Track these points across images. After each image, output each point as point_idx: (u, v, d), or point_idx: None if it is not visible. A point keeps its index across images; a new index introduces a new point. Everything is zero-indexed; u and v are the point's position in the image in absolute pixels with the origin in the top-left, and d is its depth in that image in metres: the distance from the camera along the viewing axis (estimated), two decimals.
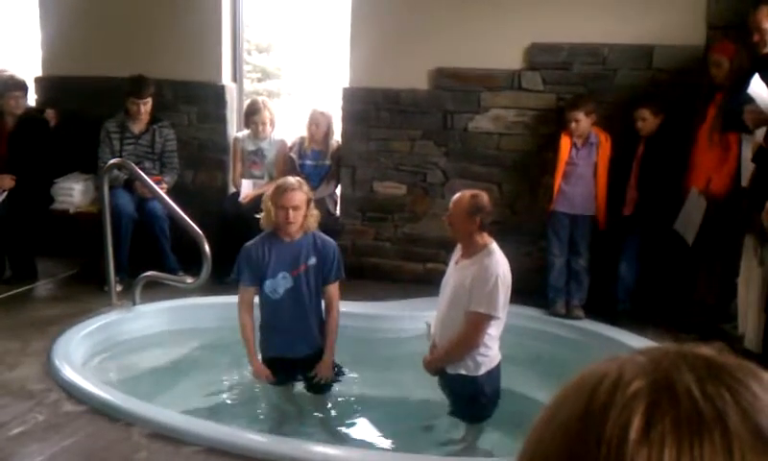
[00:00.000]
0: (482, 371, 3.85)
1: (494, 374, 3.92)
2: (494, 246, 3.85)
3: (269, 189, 6.25)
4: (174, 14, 6.59)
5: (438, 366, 3.98)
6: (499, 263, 3.78)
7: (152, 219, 5.99)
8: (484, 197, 3.94)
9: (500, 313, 3.76)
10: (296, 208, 3.98)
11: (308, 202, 4.08)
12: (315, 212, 4.17)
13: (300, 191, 4.03)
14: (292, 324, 4.10)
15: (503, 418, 4.04)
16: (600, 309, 5.43)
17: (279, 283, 4.05)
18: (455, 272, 3.94)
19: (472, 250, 3.87)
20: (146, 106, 6.18)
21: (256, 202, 6.12)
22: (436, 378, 4.10)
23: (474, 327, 3.75)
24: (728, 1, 5.42)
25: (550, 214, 5.54)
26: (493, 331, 3.83)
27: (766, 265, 4.21)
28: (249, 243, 4.22)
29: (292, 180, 4.16)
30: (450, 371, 3.91)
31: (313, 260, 4.04)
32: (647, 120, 5.34)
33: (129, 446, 3.48)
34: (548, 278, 5.50)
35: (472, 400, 3.93)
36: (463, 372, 3.85)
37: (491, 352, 3.86)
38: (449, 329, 3.88)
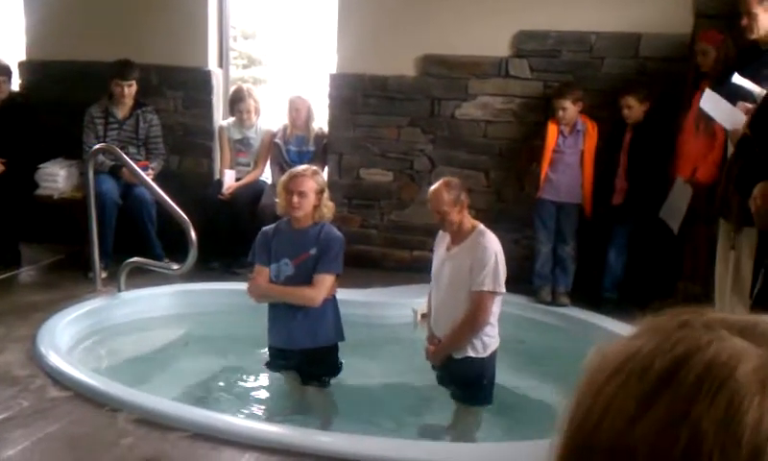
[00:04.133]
0: (489, 351, 3.88)
1: (495, 355, 3.96)
2: (482, 226, 3.90)
3: (251, 178, 6.33)
4: None
5: (445, 354, 3.95)
6: (494, 241, 3.83)
7: (139, 205, 5.96)
8: (454, 179, 3.99)
9: (503, 288, 3.82)
10: (302, 195, 3.94)
11: (320, 191, 4.03)
12: (330, 204, 4.11)
13: (310, 179, 3.99)
14: (289, 314, 4.05)
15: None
16: (586, 297, 5.46)
17: (282, 269, 4.02)
18: (449, 260, 3.93)
19: (462, 234, 3.89)
20: (130, 89, 6.12)
21: (241, 192, 6.19)
22: (423, 364, 4.11)
23: (481, 305, 3.77)
24: None
25: (537, 202, 5.56)
26: (496, 309, 3.86)
27: (737, 250, 4.24)
28: (265, 226, 4.23)
29: (305, 167, 4.17)
30: (457, 356, 3.89)
31: (314, 251, 4.00)
32: (633, 107, 5.35)
33: (114, 431, 3.46)
34: (534, 265, 5.52)
35: (478, 382, 3.94)
36: (471, 354, 3.86)
37: (494, 332, 3.91)
38: (451, 317, 3.87)
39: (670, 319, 0.66)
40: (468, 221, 3.91)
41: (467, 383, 3.97)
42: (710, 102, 4.32)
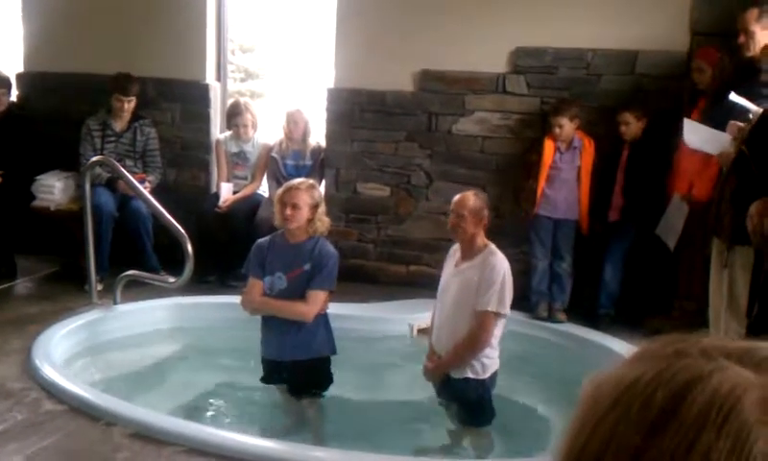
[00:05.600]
0: (489, 373, 3.83)
1: (495, 377, 3.91)
2: (493, 245, 3.87)
3: (248, 191, 6.33)
4: (158, 11, 6.55)
5: (444, 371, 3.92)
6: (503, 261, 3.80)
7: (135, 218, 5.96)
8: (483, 195, 3.99)
9: (508, 311, 3.79)
10: (295, 207, 3.95)
11: (315, 206, 4.03)
12: (325, 219, 4.11)
13: (304, 192, 4.00)
14: (282, 327, 4.05)
15: None
16: (582, 313, 5.46)
17: (275, 283, 4.02)
18: (456, 275, 3.91)
19: (473, 251, 3.86)
20: (130, 104, 6.15)
21: (238, 206, 6.19)
22: (419, 379, 4.10)
23: (484, 326, 3.74)
24: (711, 8, 5.45)
25: (533, 218, 5.56)
26: (498, 332, 3.82)
27: (730, 268, 4.24)
28: (260, 239, 4.24)
29: (302, 180, 4.18)
30: (456, 375, 3.86)
31: (308, 266, 4.00)
32: (630, 124, 5.38)
33: (109, 445, 3.45)
34: (531, 281, 5.52)
35: (478, 403, 3.89)
36: (470, 375, 3.81)
37: (495, 354, 3.86)
38: (454, 334, 3.84)
39: (664, 346, 0.66)
40: (482, 239, 3.89)
41: (465, 404, 3.94)
42: (692, 132, 4.35)
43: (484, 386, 3.85)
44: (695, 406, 0.58)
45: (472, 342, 3.77)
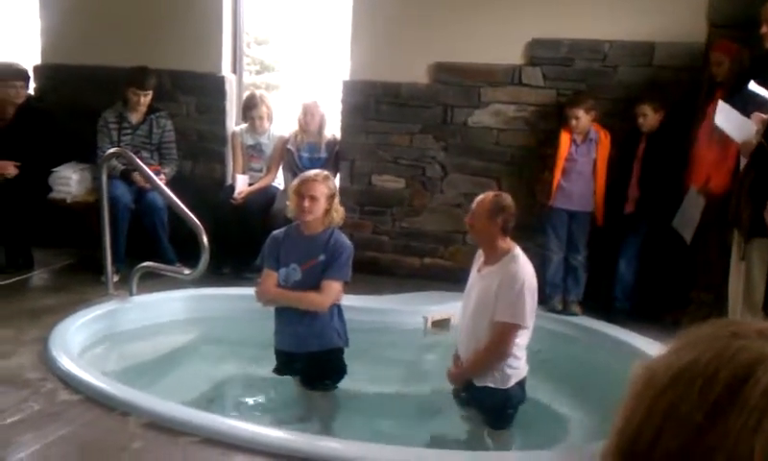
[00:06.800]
0: (511, 382, 3.74)
1: (523, 384, 3.82)
2: (518, 250, 3.75)
3: (263, 184, 6.34)
4: (175, 4, 6.58)
5: (464, 378, 3.88)
6: (525, 269, 3.67)
7: (151, 210, 5.98)
8: (507, 198, 3.83)
9: (528, 322, 3.66)
10: (313, 199, 3.96)
11: (331, 196, 4.05)
12: (340, 209, 4.12)
13: (322, 184, 4.01)
14: (296, 318, 4.06)
15: None
16: (597, 306, 5.44)
17: (290, 274, 4.03)
18: (479, 280, 3.82)
19: (495, 256, 3.76)
20: (146, 97, 6.18)
21: (254, 198, 6.20)
22: (433, 372, 4.09)
23: (502, 337, 3.64)
24: None
25: (549, 210, 5.54)
26: (521, 341, 3.71)
27: (747, 260, 4.22)
28: (275, 231, 4.24)
29: (317, 172, 4.18)
30: (477, 383, 3.79)
31: (323, 257, 4.00)
32: (648, 116, 5.34)
33: (125, 435, 3.47)
34: (546, 273, 5.48)
35: (499, 411, 3.84)
36: (491, 384, 3.74)
37: (519, 363, 3.75)
38: (475, 340, 3.78)
39: (719, 329, 0.66)
40: (505, 243, 3.76)
41: (487, 410, 3.89)
42: (723, 113, 4.31)
43: (506, 395, 3.77)
44: (759, 386, 0.59)
45: (491, 353, 3.70)
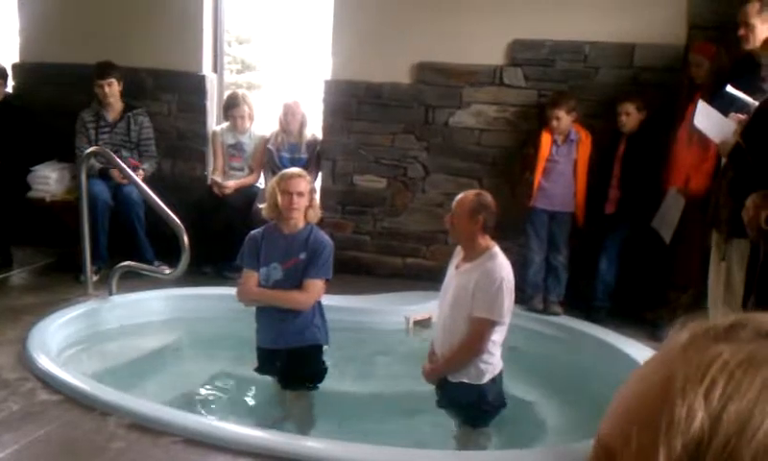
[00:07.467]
0: (485, 378, 3.75)
1: (498, 380, 3.82)
2: (497, 249, 3.75)
3: (249, 182, 6.32)
4: (155, 3, 6.54)
5: (439, 375, 3.88)
6: (503, 266, 3.68)
7: (127, 205, 5.95)
8: (487, 197, 3.83)
9: (505, 319, 3.68)
10: (300, 195, 4.00)
11: (311, 191, 4.14)
12: (317, 205, 4.20)
13: (303, 179, 4.08)
14: (278, 315, 4.06)
15: None
16: (577, 306, 5.46)
17: (271, 273, 4.03)
18: (456, 277, 3.82)
19: (474, 253, 3.76)
20: (111, 87, 6.12)
21: (235, 197, 6.19)
22: (414, 372, 4.09)
23: (478, 333, 3.65)
24: (708, 1, 5.46)
25: (530, 211, 5.56)
26: (497, 337, 3.72)
27: (728, 260, 4.25)
28: (254, 230, 4.25)
29: (295, 169, 4.26)
30: (452, 379, 3.79)
31: (303, 255, 4.01)
32: (631, 114, 5.37)
33: (105, 435, 3.44)
34: (526, 273, 5.50)
35: (475, 407, 3.83)
36: (465, 380, 3.74)
37: (493, 359, 3.76)
38: (451, 337, 3.77)
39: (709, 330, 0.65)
40: (484, 241, 3.76)
41: (463, 407, 3.89)
42: (703, 114, 4.34)
43: (481, 390, 3.77)
44: None
45: (466, 348, 3.71)
